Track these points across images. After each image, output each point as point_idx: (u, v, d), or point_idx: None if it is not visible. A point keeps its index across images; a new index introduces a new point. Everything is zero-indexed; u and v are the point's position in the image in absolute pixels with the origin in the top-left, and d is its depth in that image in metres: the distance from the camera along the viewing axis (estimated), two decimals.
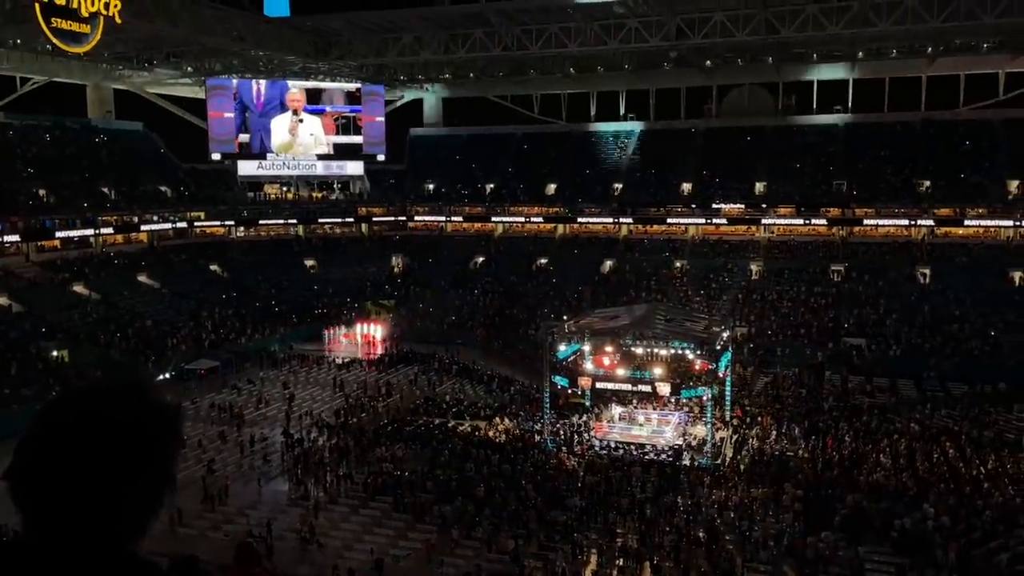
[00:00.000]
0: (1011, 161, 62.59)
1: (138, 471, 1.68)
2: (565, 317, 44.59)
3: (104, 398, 1.73)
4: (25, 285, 52.86)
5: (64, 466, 1.62)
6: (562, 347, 38.23)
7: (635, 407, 40.38)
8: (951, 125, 67.63)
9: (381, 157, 77.79)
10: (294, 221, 73.97)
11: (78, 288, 54.82)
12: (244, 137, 72.89)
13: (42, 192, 60.05)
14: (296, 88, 73.71)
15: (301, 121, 74.17)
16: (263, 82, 72.31)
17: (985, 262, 58.03)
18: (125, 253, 62.98)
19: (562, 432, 37.84)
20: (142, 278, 59.62)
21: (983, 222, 61.15)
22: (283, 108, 73.21)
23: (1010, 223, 59.94)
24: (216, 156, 73.30)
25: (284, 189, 77.14)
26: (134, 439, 1.68)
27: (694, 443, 36.16)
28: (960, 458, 33.42)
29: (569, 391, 39.70)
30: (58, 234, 58.96)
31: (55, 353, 45.35)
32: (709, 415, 35.57)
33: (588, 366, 37.41)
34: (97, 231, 61.32)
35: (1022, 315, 50.31)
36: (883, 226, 63.38)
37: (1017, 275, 55.91)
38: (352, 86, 75.15)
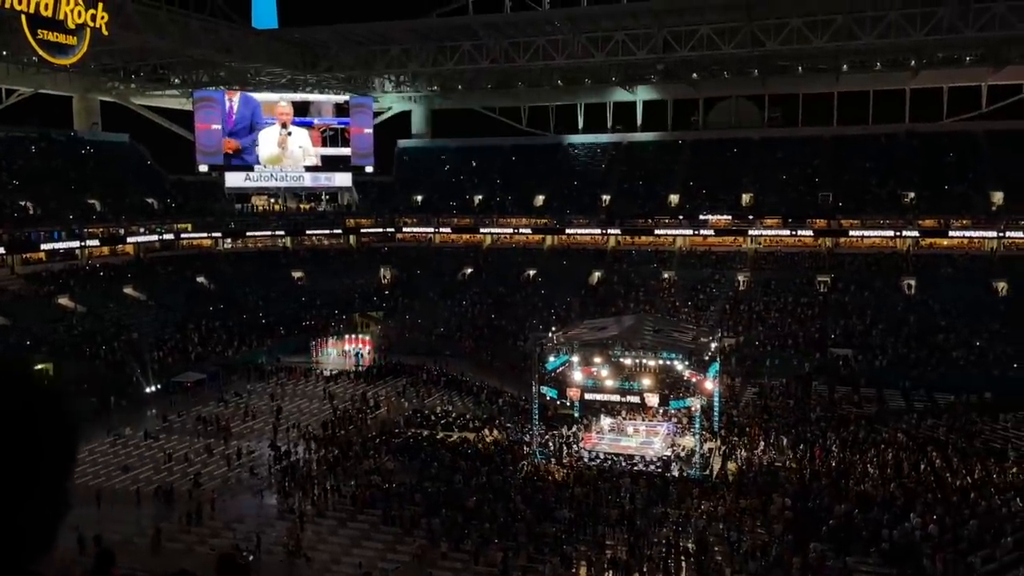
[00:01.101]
0: (994, 173, 63.17)
1: (28, 474, 1.43)
2: (554, 328, 44.58)
3: None
4: (10, 298, 52.46)
5: None
6: (551, 358, 38.23)
7: (624, 418, 40.37)
8: (935, 137, 68.24)
9: (369, 169, 77.77)
10: (282, 233, 73.76)
11: (63, 301, 54.45)
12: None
13: (27, 204, 59.68)
14: (284, 101, 73.70)
15: (290, 134, 74.11)
16: (236, 99, 71.75)
17: (970, 273, 58.52)
18: (111, 265, 62.59)
19: (551, 443, 37.78)
20: (128, 290, 59.27)
21: (967, 233, 61.62)
22: (252, 130, 72.82)
23: (994, 234, 60.47)
24: (203, 168, 73.07)
25: (272, 201, 76.97)
26: (15, 436, 1.43)
27: (683, 454, 36.18)
28: (947, 468, 33.58)
29: (558, 402, 39.70)
30: (43, 246, 58.53)
31: (40, 367, 44.94)
32: (697, 426, 35.61)
33: (577, 377, 37.43)
34: (83, 243, 60.91)
35: (1006, 325, 50.69)
36: (869, 237, 63.87)
37: (1001, 285, 56.37)
38: (341, 98, 75.19)
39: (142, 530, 28.15)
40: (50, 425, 1.48)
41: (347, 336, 58.31)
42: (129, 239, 64.68)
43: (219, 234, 71.14)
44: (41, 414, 1.48)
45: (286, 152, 74.33)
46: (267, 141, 73.52)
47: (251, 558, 25.98)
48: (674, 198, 69.31)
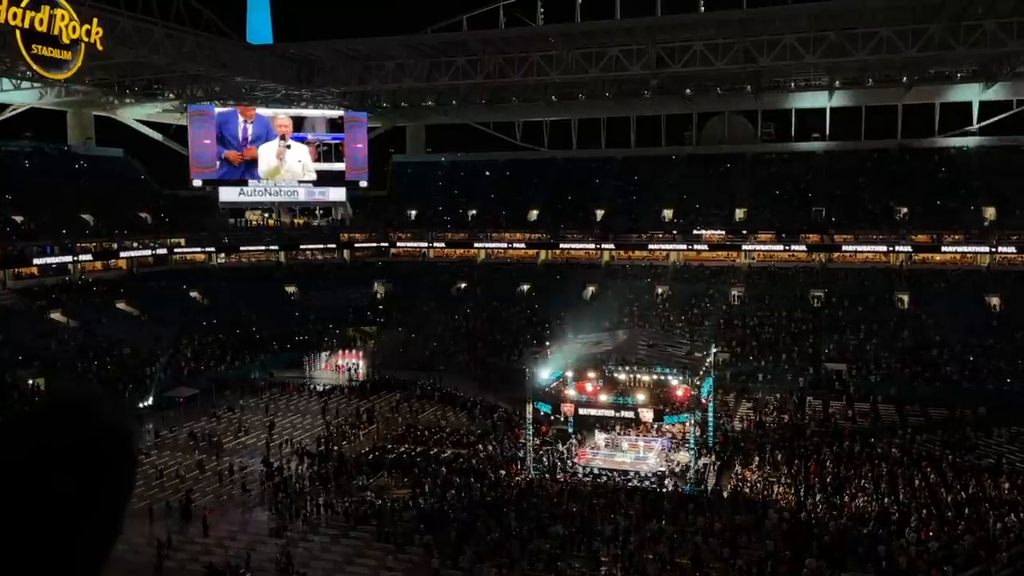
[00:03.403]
0: (986, 188, 63.55)
1: (90, 500, 1.52)
2: (548, 343, 44.57)
3: (46, 423, 1.53)
4: (1, 312, 52.20)
5: (4, 503, 1.44)
6: (545, 373, 38.16)
7: (618, 433, 40.28)
8: (927, 153, 68.67)
9: (364, 183, 77.84)
10: (275, 247, 73.66)
11: (55, 315, 54.19)
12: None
13: (20, 219, 59.52)
14: (283, 114, 73.84)
15: (288, 147, 74.18)
16: (252, 119, 72.07)
17: (963, 288, 58.73)
18: (104, 280, 62.35)
19: (545, 459, 37.66)
20: (121, 305, 59.02)
21: (960, 248, 61.90)
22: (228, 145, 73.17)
23: (986, 249, 60.72)
24: (197, 182, 73.08)
25: (265, 215, 76.92)
26: (83, 466, 1.51)
27: (677, 469, 36.09)
28: (941, 483, 33.56)
29: (552, 418, 39.60)
30: (36, 261, 58.31)
31: (31, 382, 44.72)
32: (692, 441, 35.56)
33: (571, 392, 37.35)
34: (75, 258, 60.69)
35: (1000, 340, 50.83)
36: (862, 252, 64.04)
37: (994, 300, 56.56)
38: (336, 113, 75.31)
39: (134, 547, 27.86)
40: (113, 456, 1.56)
41: (341, 351, 58.15)
42: (122, 254, 64.46)
43: (212, 249, 70.99)
44: (104, 445, 1.55)
45: (284, 165, 74.35)
46: (267, 154, 73.59)
47: (247, 575, 25.82)
48: (668, 213, 69.50)
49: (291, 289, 68.86)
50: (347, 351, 58.14)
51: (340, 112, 75.30)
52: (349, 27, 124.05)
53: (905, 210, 64.26)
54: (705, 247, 66.74)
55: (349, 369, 55.78)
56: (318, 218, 78.88)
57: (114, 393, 44.37)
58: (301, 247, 74.82)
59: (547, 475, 36.00)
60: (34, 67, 47.26)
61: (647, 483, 34.73)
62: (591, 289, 65.90)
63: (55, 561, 1.48)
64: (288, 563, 26.87)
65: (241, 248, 72.61)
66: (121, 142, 75.26)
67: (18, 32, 44.77)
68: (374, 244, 75.19)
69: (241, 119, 72.29)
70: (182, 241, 69.14)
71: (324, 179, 76.00)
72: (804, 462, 36.26)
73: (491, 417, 45.03)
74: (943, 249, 62.22)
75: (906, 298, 58.76)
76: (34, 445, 1.49)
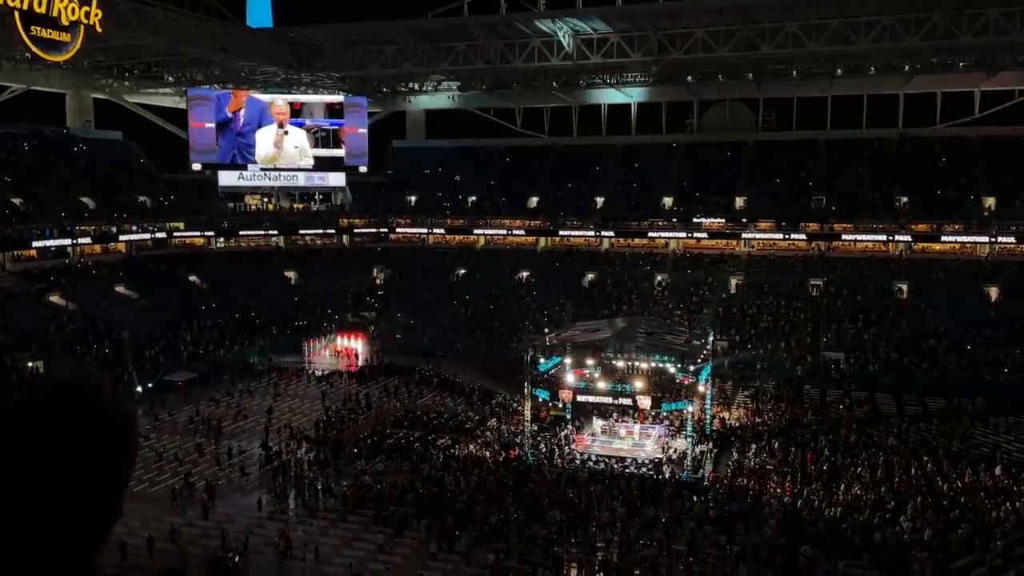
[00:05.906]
0: (987, 178, 63.43)
1: (91, 482, 1.56)
2: (547, 330, 44.64)
3: (48, 406, 1.56)
4: (0, 295, 52.17)
5: (9, 483, 1.48)
6: (543, 360, 38.23)
7: (616, 420, 40.40)
8: (928, 142, 68.48)
9: (363, 169, 77.63)
10: (275, 232, 73.56)
11: (54, 298, 54.21)
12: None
13: (19, 201, 59.41)
14: (281, 100, 73.55)
15: (286, 133, 73.93)
16: (243, 101, 71.77)
17: (962, 278, 58.71)
18: (103, 263, 62.28)
19: (543, 445, 37.78)
20: (120, 288, 59.01)
21: (959, 238, 61.81)
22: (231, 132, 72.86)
23: (985, 239, 60.66)
24: (196, 166, 72.89)
25: (265, 200, 76.77)
26: (85, 448, 1.55)
27: (674, 456, 36.23)
28: (937, 472, 33.68)
29: (550, 404, 39.70)
30: (35, 244, 58.24)
31: (30, 364, 44.76)
32: (690, 428, 35.68)
33: (569, 379, 37.44)
34: (74, 241, 60.60)
35: (998, 331, 50.89)
36: (861, 241, 63.96)
37: (993, 291, 56.59)
38: (335, 98, 75.02)
39: (133, 531, 27.96)
40: (113, 439, 1.59)
41: (339, 336, 58.18)
42: (121, 237, 64.34)
43: (212, 233, 70.90)
44: (105, 428, 1.58)
45: (282, 151, 74.16)
46: (264, 140, 73.36)
47: (237, 559, 25.93)
48: (668, 201, 69.38)
49: (290, 274, 68.84)
50: (347, 336, 58.10)
51: (340, 97, 75.04)
52: (350, 11, 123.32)
53: (905, 199, 64.16)
54: (705, 235, 66.66)
55: (348, 355, 55.83)
56: (317, 203, 78.72)
57: (112, 376, 44.47)
58: (300, 232, 74.72)
59: (545, 461, 36.12)
60: (33, 49, 47.07)
61: (644, 470, 34.86)
62: (590, 276, 65.90)
63: (57, 541, 1.51)
64: (287, 546, 27.01)
65: (240, 232, 72.53)
66: (120, 125, 75.05)
67: (17, 14, 44.55)
68: (373, 230, 75.05)
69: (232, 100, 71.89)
70: (181, 225, 69.03)
71: (322, 165, 75.80)
72: (801, 451, 36.38)
73: (489, 403, 45.16)
74: (943, 239, 62.10)
75: (905, 288, 58.77)
76: (36, 428, 1.51)
